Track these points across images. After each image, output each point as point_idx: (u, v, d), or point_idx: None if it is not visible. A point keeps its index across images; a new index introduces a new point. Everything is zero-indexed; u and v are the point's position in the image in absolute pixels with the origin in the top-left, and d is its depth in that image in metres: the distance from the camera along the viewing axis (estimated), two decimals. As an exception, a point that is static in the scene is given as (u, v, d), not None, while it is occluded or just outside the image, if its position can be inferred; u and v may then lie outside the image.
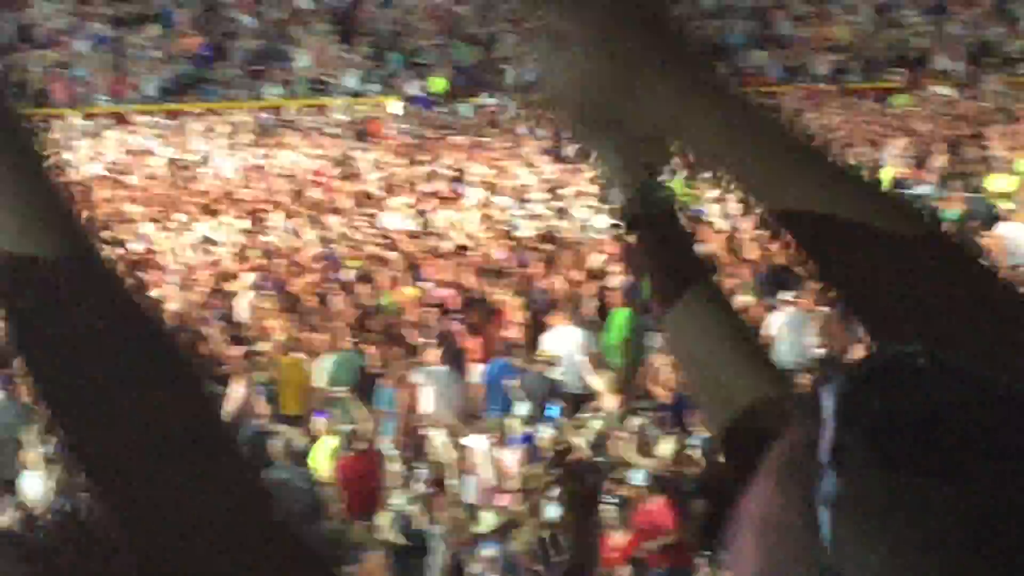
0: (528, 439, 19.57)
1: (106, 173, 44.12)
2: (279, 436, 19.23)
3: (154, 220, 35.88)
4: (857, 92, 56.58)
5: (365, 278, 28.55)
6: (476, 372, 22.99)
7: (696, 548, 16.49)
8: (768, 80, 56.67)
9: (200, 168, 46.46)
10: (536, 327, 24.27)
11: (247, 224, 35.31)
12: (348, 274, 29.34)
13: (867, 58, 63.58)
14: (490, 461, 18.76)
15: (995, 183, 35.82)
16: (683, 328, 2.71)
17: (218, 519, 2.03)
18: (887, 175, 33.51)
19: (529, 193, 39.04)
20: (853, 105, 51.93)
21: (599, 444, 19.20)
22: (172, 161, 47.92)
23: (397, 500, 17.88)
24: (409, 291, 27.03)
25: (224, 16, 65.22)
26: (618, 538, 16.62)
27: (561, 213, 34.97)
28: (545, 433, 19.80)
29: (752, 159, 2.02)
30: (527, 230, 33.16)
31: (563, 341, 23.16)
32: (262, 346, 23.31)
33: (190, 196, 40.61)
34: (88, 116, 56.19)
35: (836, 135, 41.10)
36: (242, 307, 26.29)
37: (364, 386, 22.00)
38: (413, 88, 61.09)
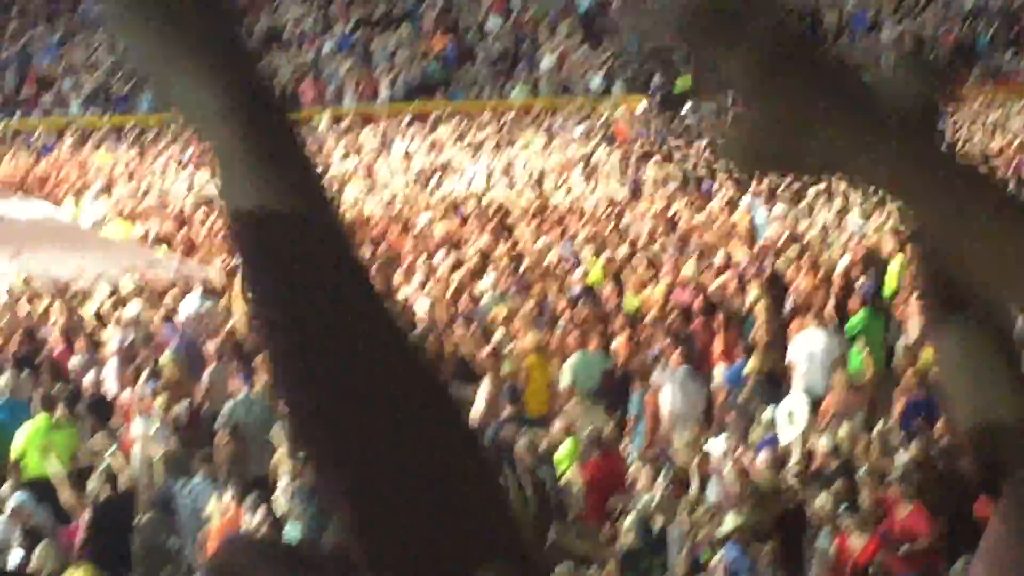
0: (772, 442, 19.20)
1: (355, 172, 44.36)
2: (524, 436, 18.90)
3: (397, 222, 35.79)
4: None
5: (612, 279, 28.20)
6: (719, 374, 22.61)
7: (942, 557, 16.10)
8: (1018, 82, 54.66)
9: (446, 169, 46.16)
10: (780, 329, 23.87)
11: (490, 224, 34.90)
12: (595, 277, 28.88)
13: None
14: (732, 464, 18.16)
15: None
16: (951, 332, 2.66)
17: (458, 518, 2.05)
18: None
19: (772, 194, 37.15)
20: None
21: (843, 448, 18.72)
22: (417, 161, 47.73)
23: (639, 502, 17.46)
24: (653, 292, 26.71)
25: (471, 16, 64.65)
26: (858, 543, 16.25)
27: (803, 215, 34.31)
28: (789, 436, 19.56)
29: (918, 193, 1.95)
30: (770, 232, 32.64)
31: (808, 344, 22.62)
32: (508, 347, 23.10)
33: (434, 197, 40.68)
34: (336, 117, 56.08)
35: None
36: (487, 308, 26.01)
37: (608, 388, 21.84)
38: (658, 88, 58.78)
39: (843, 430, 18.95)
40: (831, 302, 24.51)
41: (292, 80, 59.66)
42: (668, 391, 21.08)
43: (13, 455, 18.25)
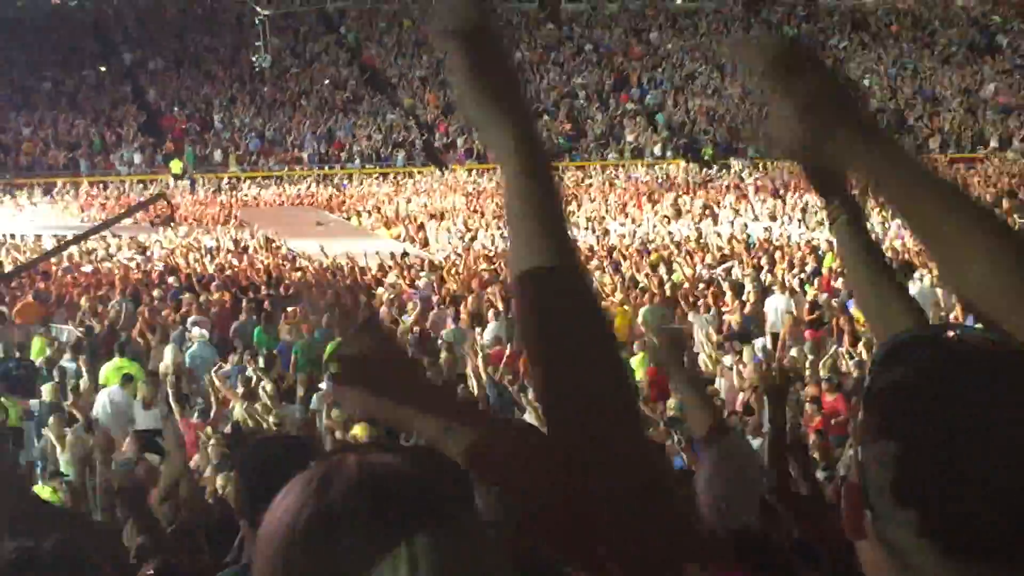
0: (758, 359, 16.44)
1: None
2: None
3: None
4: None
5: (665, 264, 24.60)
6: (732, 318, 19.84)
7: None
8: None
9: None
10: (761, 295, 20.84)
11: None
12: (655, 258, 25.17)
13: None
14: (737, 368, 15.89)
15: None
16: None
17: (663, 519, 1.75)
18: None
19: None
20: None
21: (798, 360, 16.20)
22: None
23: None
24: (691, 273, 23.40)
25: (585, 110, 61.05)
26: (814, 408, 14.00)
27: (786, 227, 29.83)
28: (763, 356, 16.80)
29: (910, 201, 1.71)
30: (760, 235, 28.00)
31: (773, 303, 20.12)
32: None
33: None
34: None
35: None
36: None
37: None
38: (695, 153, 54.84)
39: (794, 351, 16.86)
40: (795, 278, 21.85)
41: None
42: (697, 326, 18.51)
43: (326, 358, 14.54)
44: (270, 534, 1.42)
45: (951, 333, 1.49)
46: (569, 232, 1.80)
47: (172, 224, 35.20)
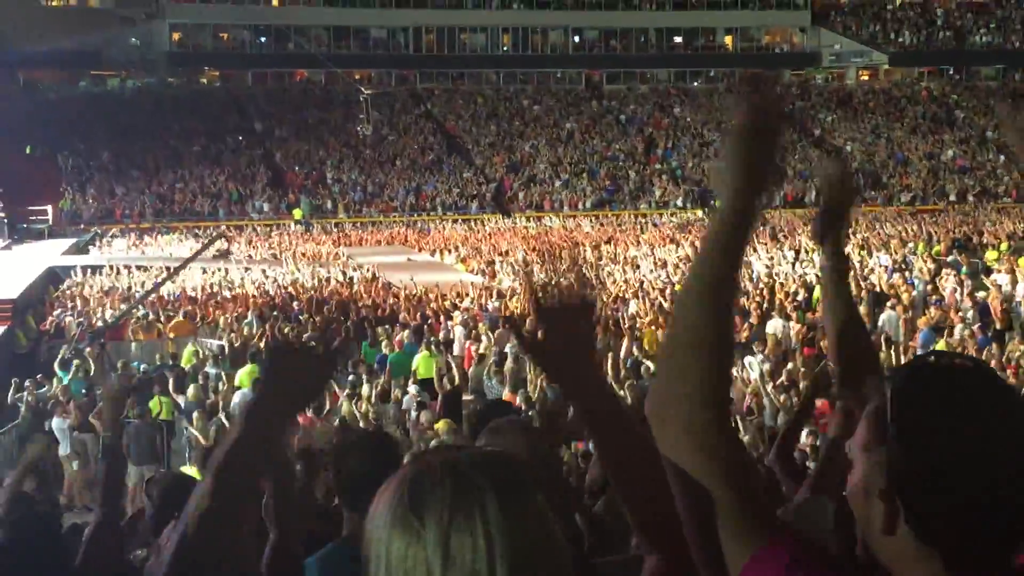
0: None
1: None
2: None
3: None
4: None
5: None
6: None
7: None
8: None
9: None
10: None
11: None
12: None
13: None
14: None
15: None
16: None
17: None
18: None
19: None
20: None
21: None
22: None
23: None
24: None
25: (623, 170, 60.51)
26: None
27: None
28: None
29: None
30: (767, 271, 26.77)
31: (772, 327, 19.45)
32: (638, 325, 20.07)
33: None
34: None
35: None
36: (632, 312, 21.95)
37: None
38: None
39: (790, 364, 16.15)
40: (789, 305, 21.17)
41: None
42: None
43: (414, 367, 17.60)
44: (376, 520, 1.48)
45: (957, 361, 1.51)
46: (734, 288, 1.73)
47: (228, 257, 35.52)
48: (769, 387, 14.35)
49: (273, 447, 2.24)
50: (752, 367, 16.04)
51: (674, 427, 1.67)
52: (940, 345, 16.99)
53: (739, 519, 1.60)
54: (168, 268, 29.71)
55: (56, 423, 15.36)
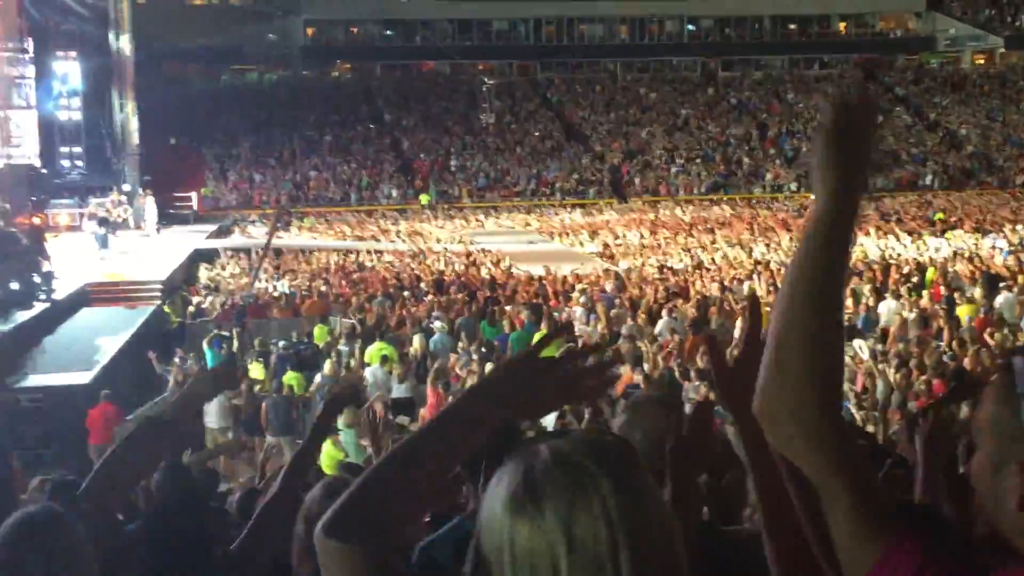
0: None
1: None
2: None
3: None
4: None
5: None
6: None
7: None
8: None
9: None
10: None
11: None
12: None
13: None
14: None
15: None
16: None
17: None
18: None
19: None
20: None
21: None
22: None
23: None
24: None
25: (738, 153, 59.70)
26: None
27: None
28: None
29: None
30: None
31: (885, 306, 18.95)
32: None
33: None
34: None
35: None
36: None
37: None
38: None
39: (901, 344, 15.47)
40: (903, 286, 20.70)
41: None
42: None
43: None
44: (492, 506, 1.50)
45: None
46: (841, 288, 1.63)
47: (290, 227, 35.92)
48: (882, 367, 13.99)
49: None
50: (863, 349, 15.76)
51: (787, 426, 1.61)
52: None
53: (859, 518, 1.53)
54: (266, 250, 30.51)
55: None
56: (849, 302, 19.83)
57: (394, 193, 54.16)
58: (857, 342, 16.27)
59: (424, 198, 52.46)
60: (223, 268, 29.68)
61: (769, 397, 1.62)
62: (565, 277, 24.81)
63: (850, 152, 1.70)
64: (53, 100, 39.66)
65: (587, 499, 1.44)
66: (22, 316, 20.00)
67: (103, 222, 30.92)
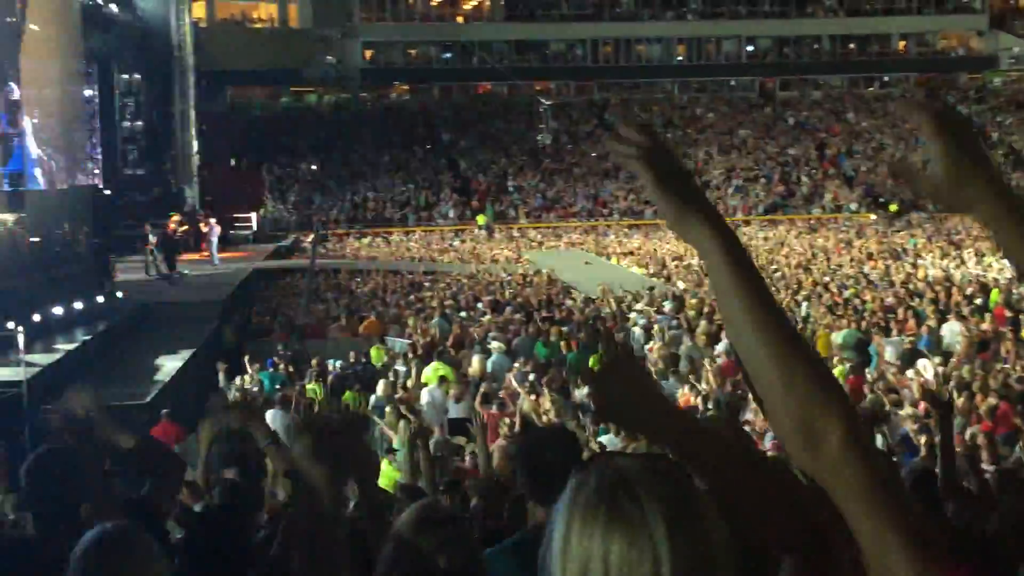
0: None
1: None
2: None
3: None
4: None
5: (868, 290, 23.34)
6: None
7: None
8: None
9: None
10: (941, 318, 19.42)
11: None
12: (851, 292, 23.50)
13: None
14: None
15: None
16: None
17: None
18: None
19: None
20: None
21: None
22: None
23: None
24: (883, 299, 21.92)
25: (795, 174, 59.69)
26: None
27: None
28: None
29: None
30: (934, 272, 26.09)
31: (948, 329, 18.63)
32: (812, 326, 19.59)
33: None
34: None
35: None
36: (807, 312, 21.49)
37: (859, 346, 18.02)
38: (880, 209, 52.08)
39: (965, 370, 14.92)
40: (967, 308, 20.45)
41: None
42: (890, 347, 17.64)
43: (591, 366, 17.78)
44: (556, 521, 1.57)
45: None
46: (767, 294, 1.65)
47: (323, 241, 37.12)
48: (944, 389, 13.72)
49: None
50: (926, 369, 15.47)
51: (814, 459, 1.57)
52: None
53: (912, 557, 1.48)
54: (312, 274, 30.95)
55: (270, 414, 15.75)
56: (912, 323, 19.59)
57: (451, 213, 54.38)
58: (921, 361, 16.09)
59: (481, 219, 52.58)
60: (281, 290, 29.91)
61: (791, 446, 1.60)
62: (622, 298, 24.64)
63: (673, 183, 1.78)
64: (116, 123, 40.24)
65: (680, 518, 1.51)
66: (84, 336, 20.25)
67: (165, 243, 31.30)
